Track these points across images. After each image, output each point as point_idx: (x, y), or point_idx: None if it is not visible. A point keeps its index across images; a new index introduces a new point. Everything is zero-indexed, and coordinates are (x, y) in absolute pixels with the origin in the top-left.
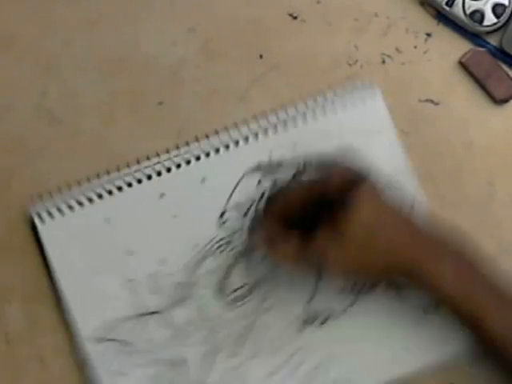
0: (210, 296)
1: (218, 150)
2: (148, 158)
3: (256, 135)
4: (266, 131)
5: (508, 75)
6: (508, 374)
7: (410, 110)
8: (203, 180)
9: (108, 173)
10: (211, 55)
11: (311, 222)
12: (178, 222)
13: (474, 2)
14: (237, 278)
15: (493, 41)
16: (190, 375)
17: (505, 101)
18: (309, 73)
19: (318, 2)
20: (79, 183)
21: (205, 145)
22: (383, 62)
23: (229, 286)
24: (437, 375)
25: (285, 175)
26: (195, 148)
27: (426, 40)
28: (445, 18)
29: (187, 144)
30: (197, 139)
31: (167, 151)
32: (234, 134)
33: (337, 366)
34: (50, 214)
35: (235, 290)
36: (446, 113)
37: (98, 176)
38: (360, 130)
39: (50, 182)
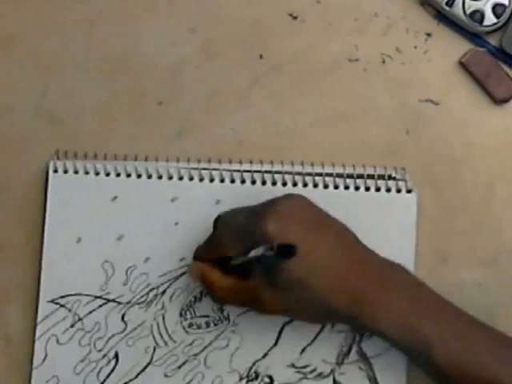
0: (172, 311)
1: (243, 181)
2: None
3: (284, 183)
4: (295, 183)
5: (508, 75)
6: None
7: (410, 110)
8: (218, 202)
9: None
10: (211, 55)
11: (247, 265)
12: (176, 230)
13: (473, 2)
14: (203, 307)
15: (493, 41)
16: (115, 374)
17: (505, 101)
18: (309, 73)
19: (318, 2)
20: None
21: (236, 173)
22: (383, 61)
23: (193, 310)
24: None
25: None
26: (224, 171)
27: (426, 40)
28: (445, 18)
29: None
30: (240, 162)
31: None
32: (266, 175)
33: None
34: (65, 169)
35: (196, 317)
36: (446, 113)
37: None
38: (382, 224)
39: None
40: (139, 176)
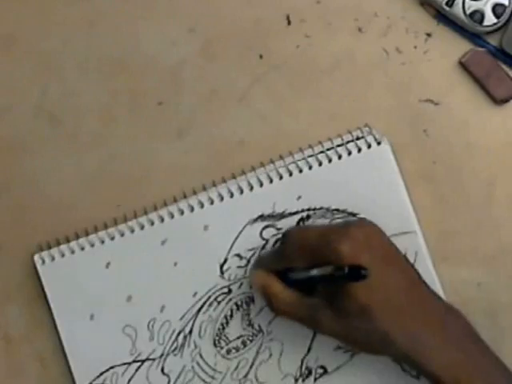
0: (206, 345)
1: (222, 198)
2: (155, 208)
3: (261, 184)
4: (271, 179)
5: (508, 75)
6: None
7: (410, 110)
8: (206, 227)
9: (114, 222)
10: (211, 55)
11: (310, 281)
12: (178, 270)
13: (473, 2)
14: (233, 329)
15: (493, 41)
16: None
17: (505, 101)
18: (309, 73)
19: (318, 2)
20: (81, 232)
21: (210, 192)
22: (383, 62)
23: (225, 336)
24: None
25: (287, 225)
26: (200, 195)
27: (426, 40)
28: (445, 18)
29: (194, 192)
30: (204, 188)
31: (174, 199)
32: (241, 182)
33: None
34: (51, 256)
35: (230, 342)
36: (446, 113)
37: (100, 226)
38: (367, 184)
39: (50, 182)
40: (122, 235)
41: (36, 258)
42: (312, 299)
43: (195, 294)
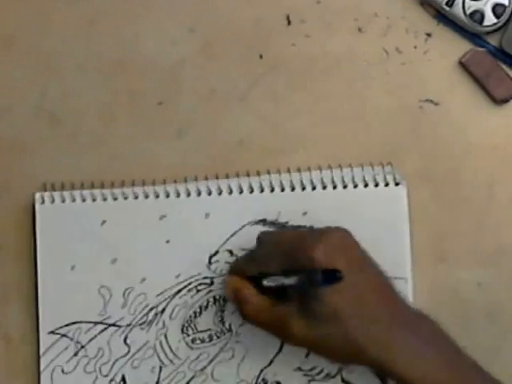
0: (174, 328)
1: (231, 192)
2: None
3: (272, 189)
4: (283, 188)
5: (508, 75)
6: None
7: (410, 109)
8: (207, 215)
9: (122, 184)
10: (211, 55)
11: (283, 287)
12: (168, 248)
13: (473, 2)
14: (204, 321)
15: (493, 41)
16: None
17: (505, 101)
18: (309, 73)
19: (318, 2)
20: (87, 184)
21: (221, 183)
22: (383, 62)
23: (194, 325)
24: None
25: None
26: (211, 182)
27: (426, 40)
28: (445, 18)
29: (216, 177)
30: (216, 176)
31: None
32: (254, 181)
33: None
34: (52, 197)
35: (198, 332)
36: (446, 113)
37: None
38: (374, 220)
39: (51, 179)
40: (126, 198)
41: (37, 195)
42: (284, 307)
43: (178, 275)
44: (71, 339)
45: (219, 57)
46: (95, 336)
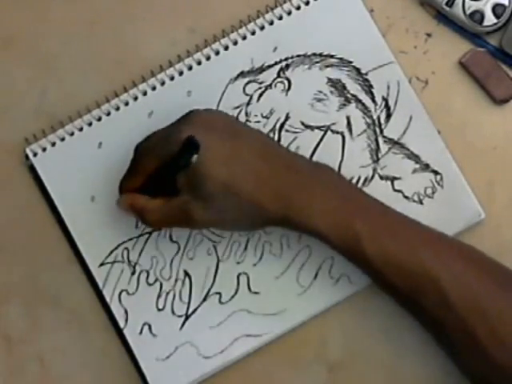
0: None
1: (199, 62)
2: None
3: (235, 42)
4: (244, 36)
5: (508, 75)
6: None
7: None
8: (189, 93)
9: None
10: None
11: (169, 182)
12: None
13: (473, 2)
14: None
15: (493, 41)
16: (195, 289)
17: (505, 101)
18: None
19: None
20: (70, 118)
21: (186, 60)
22: None
23: None
24: None
25: (268, 78)
26: (177, 64)
27: (426, 40)
28: (445, 18)
29: (170, 63)
30: (179, 58)
31: (151, 73)
32: (214, 45)
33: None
34: (41, 147)
35: None
36: (446, 113)
37: (83, 111)
38: (338, 25)
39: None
40: (108, 114)
41: (28, 150)
42: (178, 198)
43: None
44: (122, 262)
45: None
46: (143, 248)
